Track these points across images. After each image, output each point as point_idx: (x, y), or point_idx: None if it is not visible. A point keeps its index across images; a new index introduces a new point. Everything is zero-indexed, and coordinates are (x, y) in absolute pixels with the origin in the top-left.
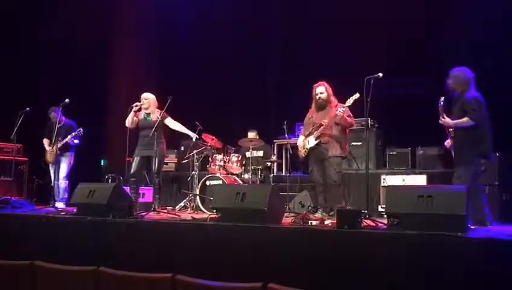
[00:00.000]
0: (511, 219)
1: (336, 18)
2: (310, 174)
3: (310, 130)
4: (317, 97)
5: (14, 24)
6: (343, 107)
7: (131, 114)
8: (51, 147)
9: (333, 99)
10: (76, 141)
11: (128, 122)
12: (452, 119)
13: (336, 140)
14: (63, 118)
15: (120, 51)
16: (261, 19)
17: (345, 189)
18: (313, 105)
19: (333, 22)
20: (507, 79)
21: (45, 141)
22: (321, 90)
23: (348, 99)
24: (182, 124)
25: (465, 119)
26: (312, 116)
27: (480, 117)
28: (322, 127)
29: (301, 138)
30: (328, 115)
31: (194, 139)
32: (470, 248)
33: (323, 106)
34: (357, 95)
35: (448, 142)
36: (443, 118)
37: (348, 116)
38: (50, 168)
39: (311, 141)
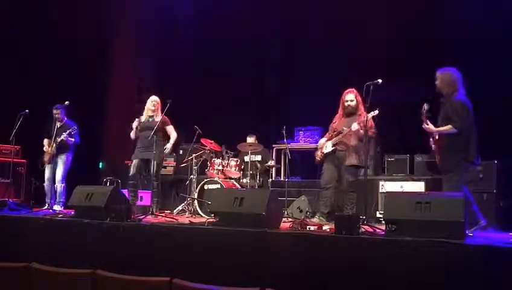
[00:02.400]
0: (508, 225)
1: (336, 21)
2: (320, 177)
3: (331, 135)
4: (347, 104)
5: (14, 24)
6: (366, 117)
7: (134, 130)
8: (49, 148)
9: (361, 107)
10: (72, 139)
11: (133, 135)
12: (439, 122)
13: (353, 149)
14: (65, 118)
15: (120, 51)
16: (260, 21)
17: (343, 195)
18: (340, 110)
19: (333, 25)
20: (506, 83)
21: (45, 142)
22: (351, 97)
23: (373, 111)
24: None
25: (448, 127)
26: (336, 122)
27: (465, 124)
28: (340, 135)
29: (323, 140)
30: (354, 122)
31: (166, 150)
32: (468, 255)
33: (351, 113)
34: (375, 112)
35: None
36: (426, 124)
37: (370, 127)
38: (46, 168)
39: (329, 146)
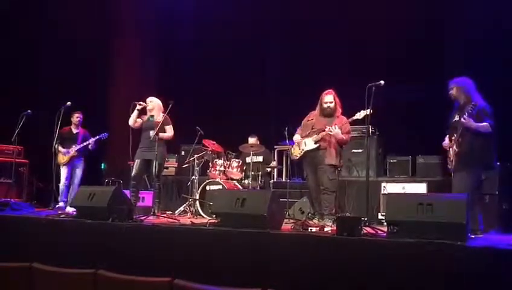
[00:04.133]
0: (511, 228)
1: (336, 21)
2: (305, 180)
3: (308, 132)
4: (326, 106)
5: (15, 24)
6: (339, 125)
7: (135, 113)
8: (67, 150)
9: (339, 109)
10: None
11: (131, 120)
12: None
13: (333, 148)
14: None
15: (120, 51)
16: (261, 22)
17: (345, 197)
18: (318, 110)
19: (334, 25)
20: (506, 83)
21: (60, 147)
22: (330, 99)
23: (359, 113)
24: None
25: (486, 124)
26: (312, 119)
27: (493, 126)
28: (323, 133)
29: (297, 136)
30: (332, 124)
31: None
32: (470, 257)
33: (329, 114)
34: (368, 111)
35: (446, 144)
36: (466, 118)
37: (347, 132)
38: (62, 169)
39: (310, 144)
